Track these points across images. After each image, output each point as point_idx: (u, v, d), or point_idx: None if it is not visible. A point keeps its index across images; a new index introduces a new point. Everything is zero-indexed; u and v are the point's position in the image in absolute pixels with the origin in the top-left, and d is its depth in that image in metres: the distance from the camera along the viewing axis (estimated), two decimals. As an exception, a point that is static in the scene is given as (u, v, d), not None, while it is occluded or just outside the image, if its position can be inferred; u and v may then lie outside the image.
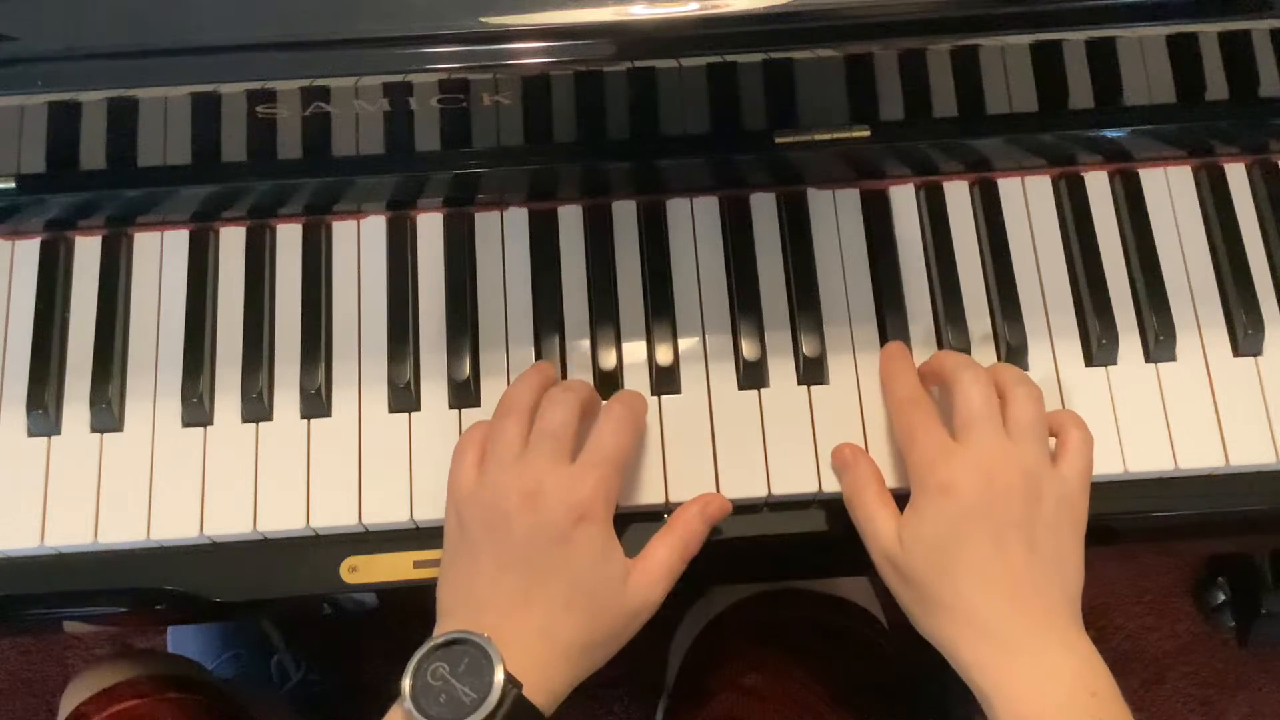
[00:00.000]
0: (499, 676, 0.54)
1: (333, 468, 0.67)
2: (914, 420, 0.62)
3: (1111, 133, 0.70)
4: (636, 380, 0.68)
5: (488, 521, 0.59)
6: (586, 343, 0.69)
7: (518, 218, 0.71)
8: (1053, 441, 0.62)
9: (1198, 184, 0.72)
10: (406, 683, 0.54)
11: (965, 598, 0.57)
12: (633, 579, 0.60)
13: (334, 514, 0.66)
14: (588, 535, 0.58)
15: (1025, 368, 0.68)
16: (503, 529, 0.58)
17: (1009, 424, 0.60)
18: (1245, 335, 0.68)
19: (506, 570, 0.58)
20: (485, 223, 0.71)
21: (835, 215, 0.71)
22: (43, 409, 0.67)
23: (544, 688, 0.56)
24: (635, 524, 0.66)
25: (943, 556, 0.58)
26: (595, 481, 0.59)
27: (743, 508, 0.67)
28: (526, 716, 0.55)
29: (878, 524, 0.61)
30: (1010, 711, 0.56)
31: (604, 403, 0.64)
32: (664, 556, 0.61)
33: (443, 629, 0.56)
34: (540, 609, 0.58)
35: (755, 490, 0.66)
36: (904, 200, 0.72)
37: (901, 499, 0.61)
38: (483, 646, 0.54)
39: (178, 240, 0.71)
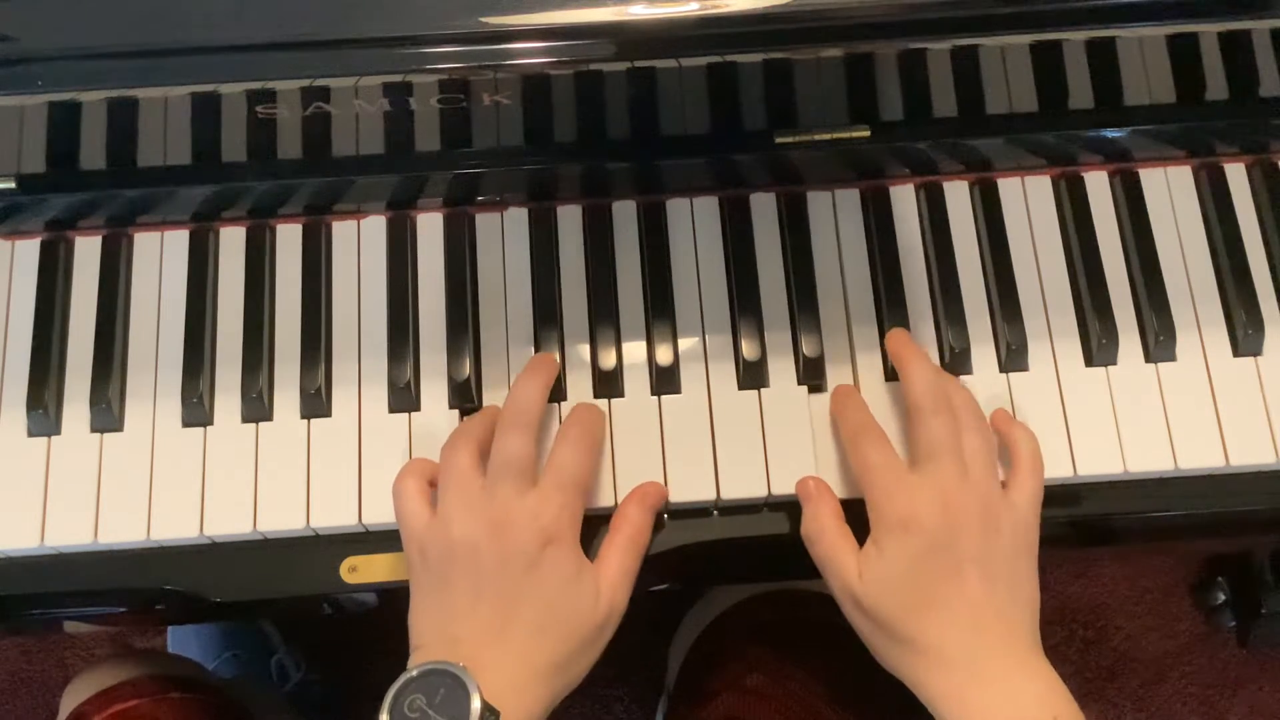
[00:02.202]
0: (475, 705, 0.54)
1: (333, 468, 0.66)
2: (868, 452, 0.62)
3: (1111, 133, 0.70)
4: (637, 380, 0.68)
5: (455, 555, 0.59)
6: (586, 343, 0.69)
7: (518, 218, 0.71)
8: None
9: (1198, 184, 0.72)
10: (385, 716, 0.55)
11: (929, 633, 0.58)
12: (600, 590, 0.61)
13: (334, 514, 0.66)
14: (556, 558, 0.59)
15: (1025, 368, 0.68)
16: (472, 561, 0.59)
17: (963, 453, 0.61)
18: (1245, 335, 0.68)
19: (480, 601, 0.58)
20: (485, 223, 0.71)
21: (835, 215, 0.71)
22: (43, 409, 0.67)
23: (523, 712, 0.57)
24: (635, 524, 0.66)
25: (905, 592, 0.59)
26: (559, 505, 0.60)
27: (743, 508, 0.67)
28: None
29: (839, 561, 0.61)
30: None
31: (562, 423, 0.64)
32: (620, 559, 0.62)
33: (418, 662, 0.57)
34: (517, 635, 0.58)
35: (755, 490, 0.66)
36: (904, 200, 0.72)
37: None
38: (459, 676, 0.55)
39: (178, 240, 0.71)
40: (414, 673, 0.55)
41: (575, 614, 0.60)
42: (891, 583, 0.59)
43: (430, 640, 0.59)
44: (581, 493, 0.62)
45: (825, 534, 0.62)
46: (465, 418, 0.66)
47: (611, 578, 0.62)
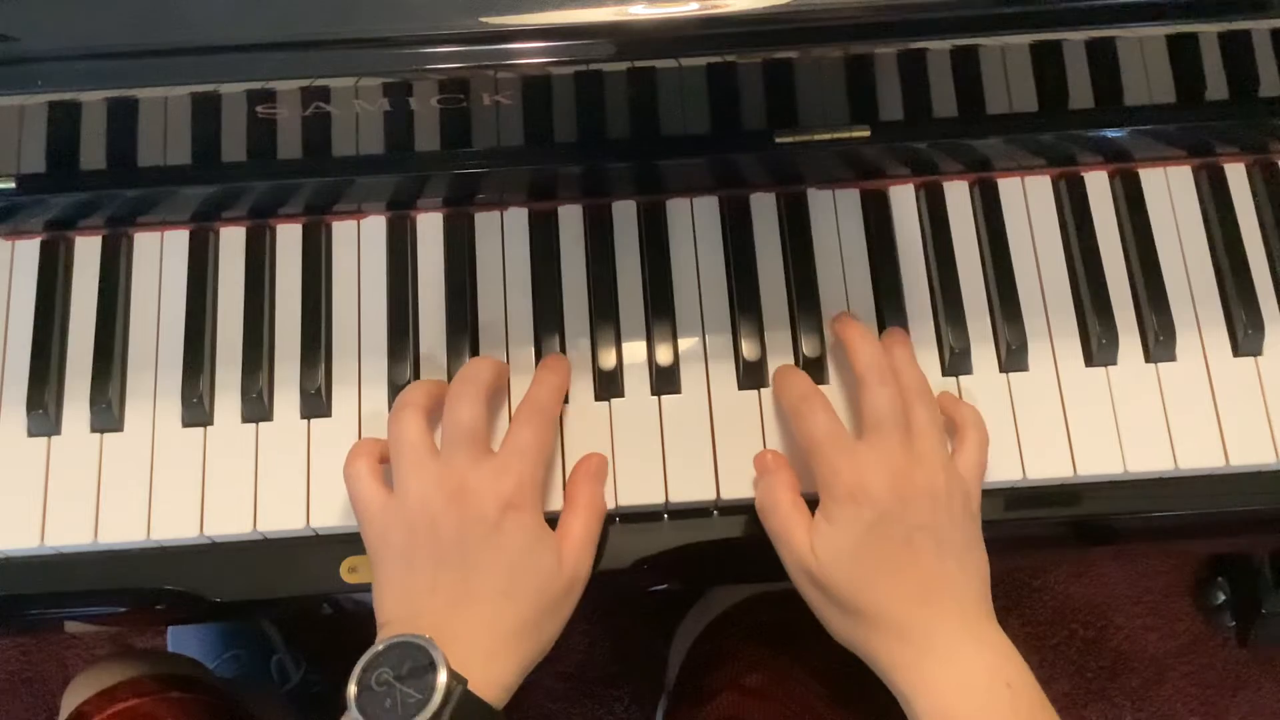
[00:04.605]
0: (441, 675, 0.54)
1: (333, 468, 0.66)
2: (813, 422, 0.62)
3: (1111, 133, 0.70)
4: (637, 380, 0.68)
5: (414, 527, 0.59)
6: (586, 343, 0.69)
7: (518, 218, 0.71)
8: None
9: (1198, 184, 0.72)
10: (352, 689, 0.54)
11: (881, 603, 0.58)
12: (563, 556, 0.61)
13: (334, 514, 0.66)
14: (517, 523, 0.59)
15: (1025, 368, 0.68)
16: (431, 532, 0.59)
17: (910, 425, 0.61)
18: (1245, 335, 0.68)
19: (443, 571, 0.58)
20: (485, 223, 0.71)
21: (835, 215, 0.71)
22: (43, 409, 0.67)
23: (493, 681, 0.57)
24: (636, 524, 0.66)
25: (857, 564, 0.59)
26: (518, 470, 0.60)
27: (743, 508, 0.67)
28: (474, 711, 0.55)
29: (792, 534, 0.61)
30: (929, 710, 0.57)
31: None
32: (582, 526, 0.62)
33: (385, 636, 0.57)
34: (481, 602, 0.58)
35: (755, 490, 0.66)
36: (904, 200, 0.72)
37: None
38: (424, 647, 0.55)
39: (178, 240, 0.71)
40: (380, 646, 0.55)
41: (538, 579, 0.60)
42: (843, 554, 0.59)
43: (397, 615, 0.59)
44: (541, 463, 0.62)
45: (779, 507, 0.62)
46: (406, 386, 0.65)
47: (573, 543, 0.62)
